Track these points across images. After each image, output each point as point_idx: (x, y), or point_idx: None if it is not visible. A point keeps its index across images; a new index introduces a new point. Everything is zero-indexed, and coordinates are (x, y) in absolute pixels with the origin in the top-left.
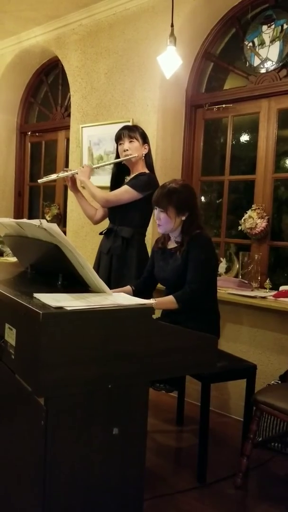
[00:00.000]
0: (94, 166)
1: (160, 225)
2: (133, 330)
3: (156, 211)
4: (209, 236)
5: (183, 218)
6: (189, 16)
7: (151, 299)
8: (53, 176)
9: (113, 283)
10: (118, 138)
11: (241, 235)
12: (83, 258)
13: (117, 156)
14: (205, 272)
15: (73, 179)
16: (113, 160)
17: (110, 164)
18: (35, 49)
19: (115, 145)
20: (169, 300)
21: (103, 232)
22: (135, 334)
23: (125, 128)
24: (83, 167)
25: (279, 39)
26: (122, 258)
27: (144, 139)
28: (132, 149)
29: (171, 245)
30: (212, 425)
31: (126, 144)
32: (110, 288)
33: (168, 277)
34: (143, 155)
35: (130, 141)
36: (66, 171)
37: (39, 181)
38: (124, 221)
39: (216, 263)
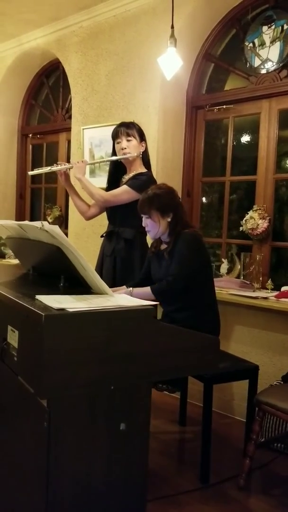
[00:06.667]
0: (89, 162)
1: (149, 231)
2: (135, 331)
3: (143, 218)
4: (196, 233)
5: (169, 219)
6: (189, 17)
7: (129, 288)
8: (46, 169)
9: (118, 285)
10: (115, 136)
11: (242, 235)
12: (85, 260)
13: (114, 154)
14: (185, 266)
15: (66, 174)
16: (109, 158)
17: (106, 161)
18: (35, 52)
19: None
20: (146, 291)
21: (104, 234)
22: (137, 335)
23: (123, 125)
24: (78, 162)
25: (279, 40)
26: (126, 259)
27: (142, 137)
28: (130, 147)
29: (164, 247)
30: (214, 426)
31: (124, 143)
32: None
33: (161, 277)
34: (141, 153)
35: (128, 140)
36: (60, 164)
37: (29, 173)
38: (124, 222)
39: (204, 259)
